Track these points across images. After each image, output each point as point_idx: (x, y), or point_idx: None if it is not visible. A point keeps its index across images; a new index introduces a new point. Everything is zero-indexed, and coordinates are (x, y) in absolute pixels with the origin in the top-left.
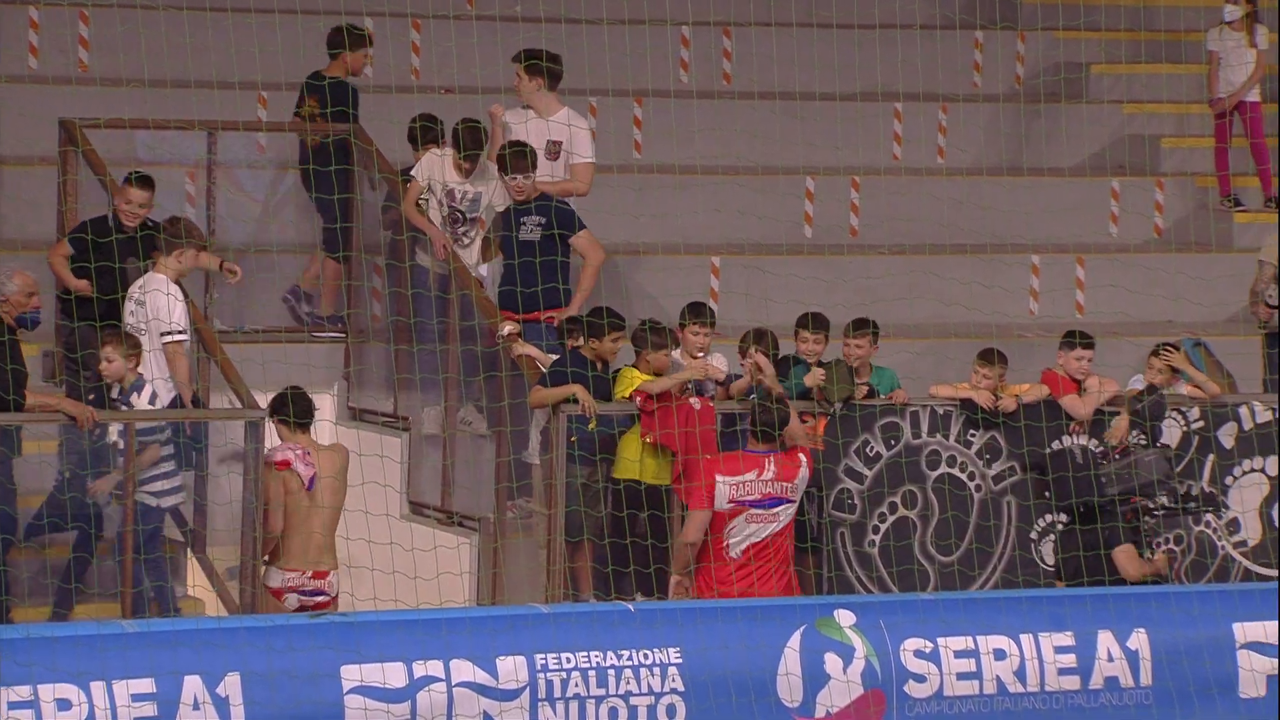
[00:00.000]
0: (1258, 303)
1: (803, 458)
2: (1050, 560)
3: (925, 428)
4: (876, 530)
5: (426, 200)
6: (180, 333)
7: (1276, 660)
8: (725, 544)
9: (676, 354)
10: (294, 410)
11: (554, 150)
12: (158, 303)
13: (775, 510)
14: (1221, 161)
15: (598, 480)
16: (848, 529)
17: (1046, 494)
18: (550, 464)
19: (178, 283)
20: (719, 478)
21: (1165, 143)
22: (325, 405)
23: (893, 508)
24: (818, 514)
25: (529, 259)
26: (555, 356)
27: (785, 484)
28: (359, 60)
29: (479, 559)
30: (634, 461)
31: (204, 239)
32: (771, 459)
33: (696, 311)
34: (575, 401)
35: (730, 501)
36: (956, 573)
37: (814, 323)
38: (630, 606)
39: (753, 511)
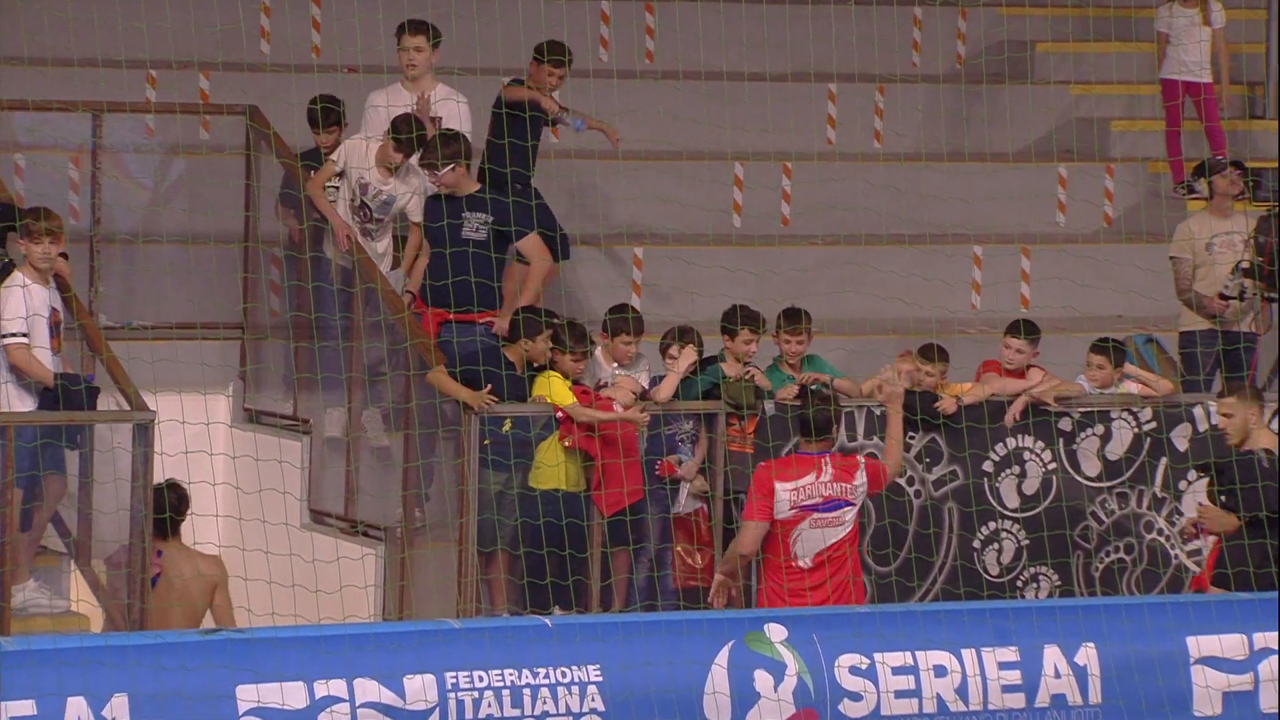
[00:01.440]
0: (1206, 297)
1: (862, 460)
2: (994, 570)
3: (861, 429)
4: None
5: (336, 187)
6: (15, 335)
7: (1245, 677)
8: (792, 553)
9: (598, 353)
10: (167, 504)
11: (436, 126)
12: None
13: (838, 513)
14: (1174, 146)
15: (513, 486)
16: None
17: (1223, 498)
18: (461, 469)
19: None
20: (778, 485)
21: (1115, 126)
22: (220, 407)
23: None
24: None
25: (470, 256)
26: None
27: (845, 485)
28: None
29: (385, 571)
30: (553, 468)
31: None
32: (828, 460)
33: (620, 312)
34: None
35: (792, 508)
36: (894, 584)
37: (744, 319)
38: (548, 621)
39: (816, 516)
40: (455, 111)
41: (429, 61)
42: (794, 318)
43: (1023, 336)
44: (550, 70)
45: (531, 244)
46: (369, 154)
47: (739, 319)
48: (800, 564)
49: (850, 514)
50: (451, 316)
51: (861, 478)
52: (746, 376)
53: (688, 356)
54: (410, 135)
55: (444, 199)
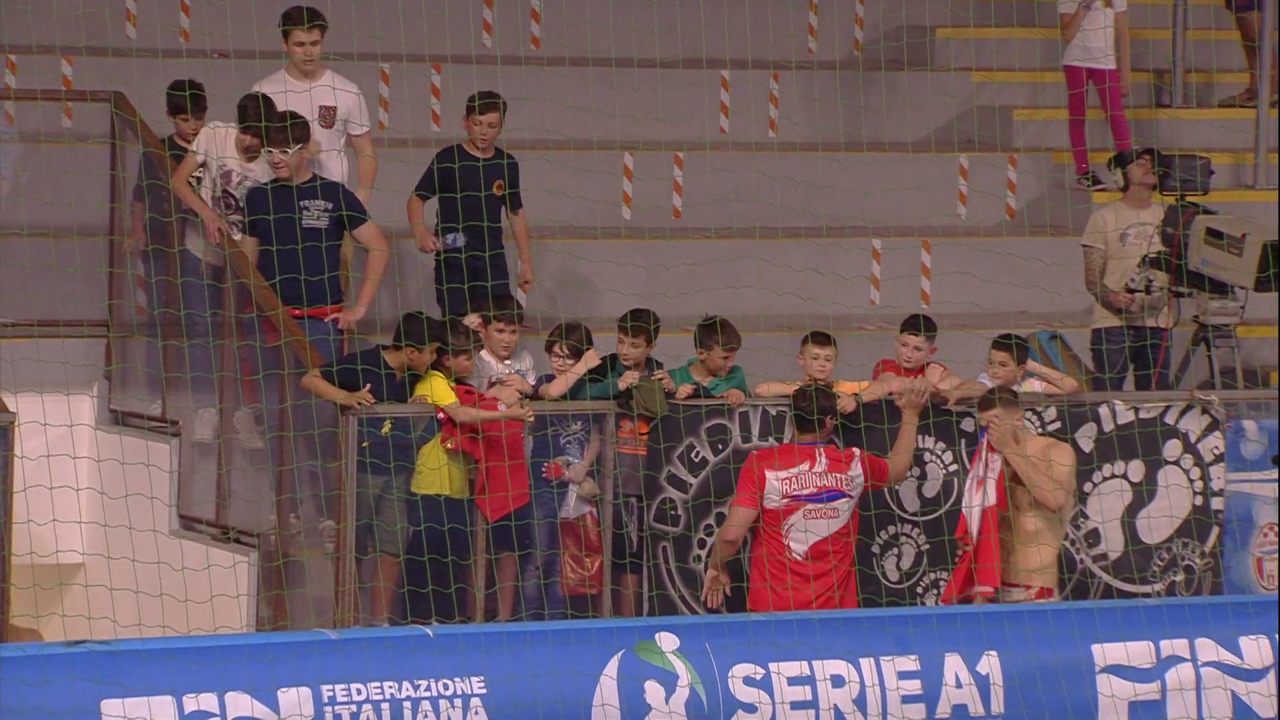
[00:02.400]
0: (1113, 292)
1: (858, 452)
2: (893, 576)
3: (756, 430)
4: (703, 544)
5: (199, 179)
6: None
7: (1152, 685)
8: (786, 544)
9: (483, 354)
10: None
11: (329, 117)
12: None
13: (834, 504)
14: (1077, 135)
15: (393, 491)
16: (671, 543)
17: None
18: (339, 472)
19: None
20: (769, 473)
21: (1018, 114)
22: (84, 408)
23: (720, 519)
24: (638, 526)
25: (313, 247)
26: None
27: (840, 475)
28: None
29: (258, 579)
30: (435, 472)
31: None
32: (821, 451)
33: (497, 301)
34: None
35: (785, 497)
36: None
37: (632, 329)
38: (429, 631)
39: (810, 506)
40: (354, 103)
41: (318, 49)
42: (729, 334)
43: (921, 333)
44: (476, 119)
45: (370, 232)
46: (228, 141)
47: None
48: (795, 555)
49: (846, 505)
50: (300, 312)
51: (857, 469)
52: (656, 379)
53: (589, 360)
54: (261, 121)
55: (272, 190)
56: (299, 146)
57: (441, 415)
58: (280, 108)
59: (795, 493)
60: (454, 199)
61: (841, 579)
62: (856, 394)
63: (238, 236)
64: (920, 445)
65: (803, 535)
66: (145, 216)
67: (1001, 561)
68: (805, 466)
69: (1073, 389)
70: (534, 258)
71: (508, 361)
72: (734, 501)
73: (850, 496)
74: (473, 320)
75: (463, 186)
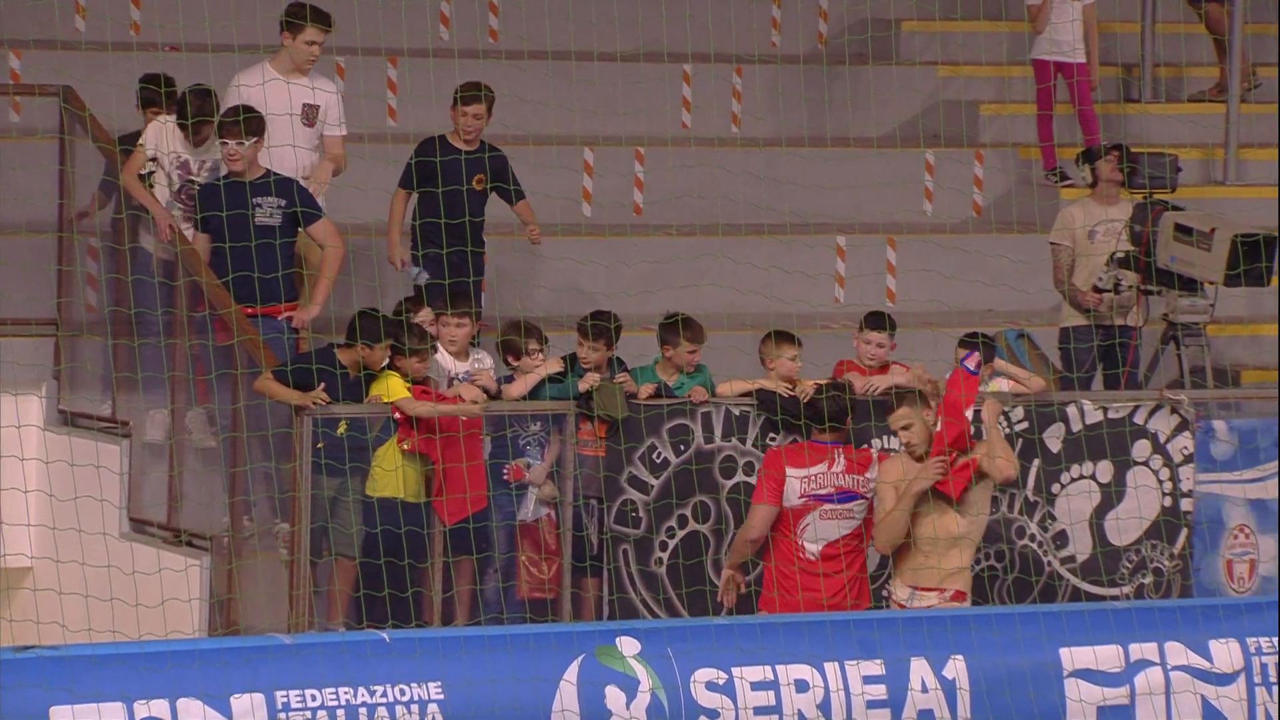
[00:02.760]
0: (1081, 291)
1: (875, 453)
2: None
3: (719, 431)
4: (664, 547)
5: (152, 174)
6: None
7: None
8: (800, 544)
9: (440, 356)
10: None
11: (311, 115)
12: None
13: (850, 505)
14: (1045, 131)
15: (349, 493)
16: (631, 545)
17: None
18: (293, 474)
19: None
20: (789, 470)
21: (984, 109)
22: (32, 408)
23: (682, 521)
24: (598, 529)
25: (267, 244)
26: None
27: (857, 477)
28: None
29: (211, 583)
30: (391, 473)
31: None
32: (840, 451)
33: (455, 301)
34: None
35: (802, 496)
36: (754, 595)
37: (591, 332)
38: (385, 635)
39: (826, 507)
40: (334, 102)
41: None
42: (694, 330)
43: (884, 330)
44: (462, 110)
45: (325, 229)
46: (174, 133)
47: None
48: (809, 555)
49: (861, 508)
50: (253, 311)
51: (875, 471)
52: (618, 381)
53: (552, 365)
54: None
55: (225, 186)
56: (253, 140)
57: (398, 415)
58: (261, 101)
59: (813, 492)
60: (434, 193)
61: (852, 580)
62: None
63: (191, 233)
64: (886, 445)
65: (816, 536)
66: (111, 213)
67: (917, 565)
68: (824, 467)
69: (1040, 388)
70: (491, 255)
71: (473, 360)
72: (755, 498)
73: (865, 498)
74: (425, 315)
75: (444, 180)
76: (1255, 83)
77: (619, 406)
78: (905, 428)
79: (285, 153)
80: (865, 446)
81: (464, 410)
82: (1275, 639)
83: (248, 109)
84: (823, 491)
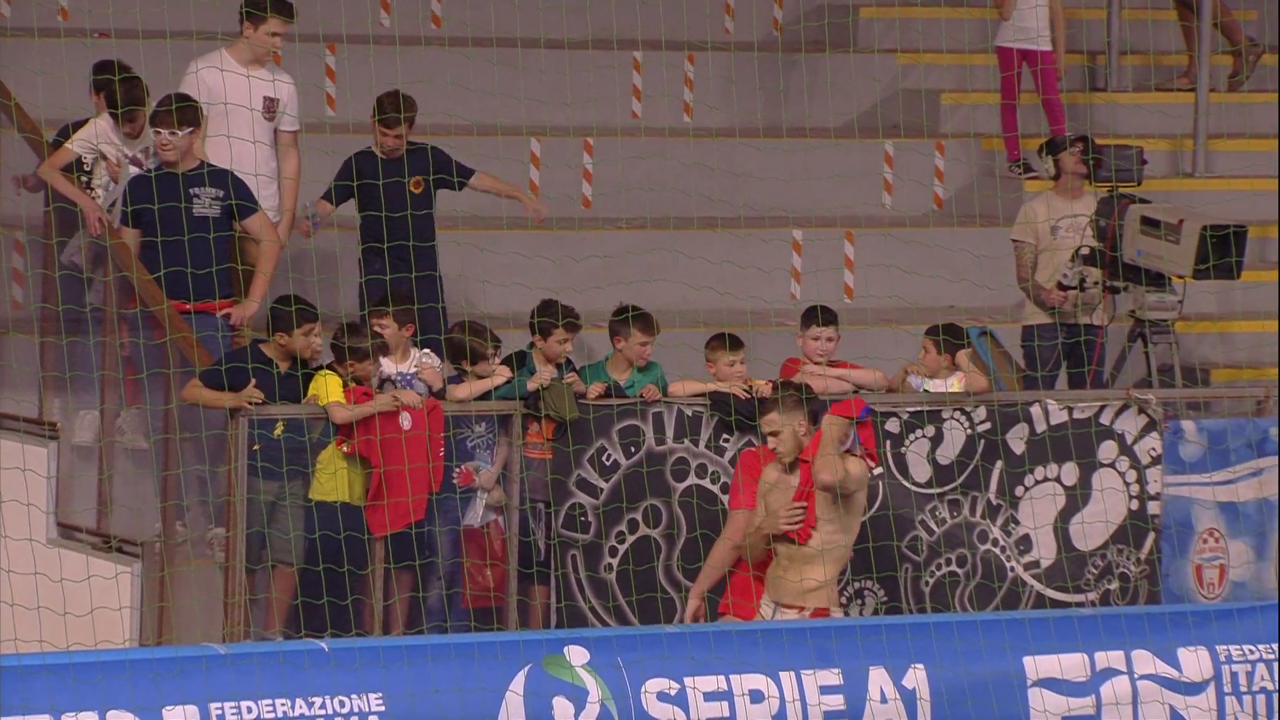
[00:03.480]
0: (1044, 289)
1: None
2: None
3: (671, 432)
4: (614, 552)
5: (90, 172)
6: None
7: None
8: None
9: (385, 362)
10: None
11: (272, 109)
12: None
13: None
14: (1009, 121)
15: (286, 497)
16: (580, 551)
17: None
18: (228, 477)
19: None
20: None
21: (946, 98)
22: None
23: (633, 526)
24: (545, 534)
25: (203, 238)
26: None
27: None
28: None
29: (142, 591)
30: (332, 477)
31: None
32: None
33: (381, 301)
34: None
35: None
36: (707, 602)
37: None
38: (323, 645)
39: None
40: (291, 95)
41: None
42: (645, 322)
43: (834, 324)
44: (383, 131)
45: (261, 222)
46: (105, 125)
47: (559, 316)
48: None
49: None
50: (187, 307)
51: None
52: (567, 380)
53: (502, 374)
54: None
55: (157, 178)
56: (188, 130)
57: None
58: (219, 90)
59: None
60: (373, 207)
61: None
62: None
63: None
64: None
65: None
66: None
67: (777, 579)
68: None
69: (982, 388)
70: (438, 249)
71: (414, 362)
72: (733, 504)
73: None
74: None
75: (380, 190)
76: (1250, 72)
77: (568, 407)
78: (773, 434)
79: (245, 148)
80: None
81: (381, 406)
82: (1247, 647)
83: (182, 97)
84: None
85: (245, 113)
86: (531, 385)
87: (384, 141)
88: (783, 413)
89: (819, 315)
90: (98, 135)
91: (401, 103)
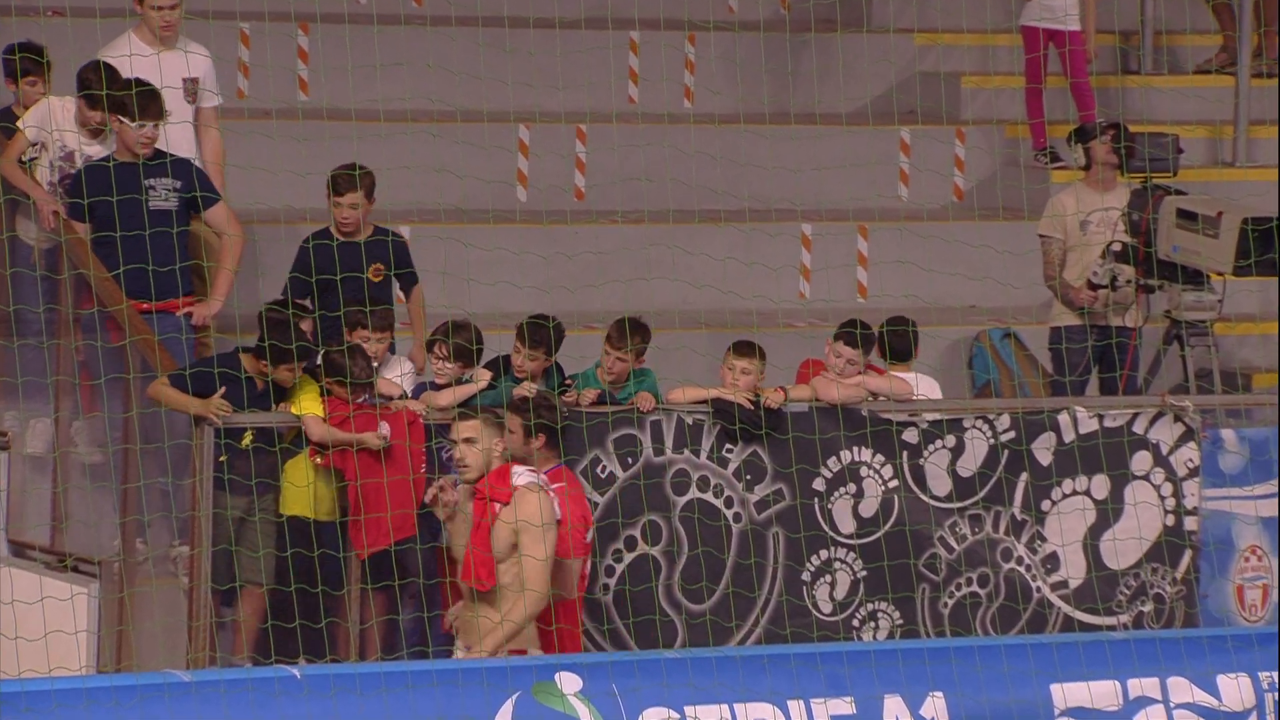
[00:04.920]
0: (1073, 287)
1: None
2: (826, 607)
3: (670, 441)
4: (610, 572)
5: (34, 159)
6: None
7: None
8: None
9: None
10: None
11: (192, 89)
12: None
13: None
14: (1035, 106)
15: (255, 512)
16: None
17: None
18: (192, 491)
19: None
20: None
21: (966, 82)
22: None
23: (630, 543)
24: None
25: (163, 233)
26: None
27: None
28: None
29: (100, 613)
30: (303, 490)
31: None
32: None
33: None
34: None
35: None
36: (709, 624)
37: (532, 339)
38: (296, 672)
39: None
40: (209, 70)
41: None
42: (626, 333)
43: (858, 345)
44: (335, 201)
45: (223, 214)
46: (67, 116)
47: (525, 337)
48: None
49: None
50: (147, 306)
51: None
52: (567, 390)
53: (481, 377)
54: (104, 89)
55: (115, 167)
56: (152, 123)
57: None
58: (126, 76)
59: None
60: (329, 290)
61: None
62: (785, 388)
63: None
64: (856, 458)
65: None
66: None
67: (464, 618)
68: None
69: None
70: (414, 244)
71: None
72: (577, 552)
73: None
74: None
75: (338, 275)
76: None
77: (553, 418)
78: (468, 440)
79: (175, 133)
80: None
81: (361, 440)
82: None
83: (141, 82)
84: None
85: (166, 96)
86: (518, 394)
87: (338, 214)
88: (485, 426)
89: (857, 338)
90: (42, 122)
91: (357, 170)
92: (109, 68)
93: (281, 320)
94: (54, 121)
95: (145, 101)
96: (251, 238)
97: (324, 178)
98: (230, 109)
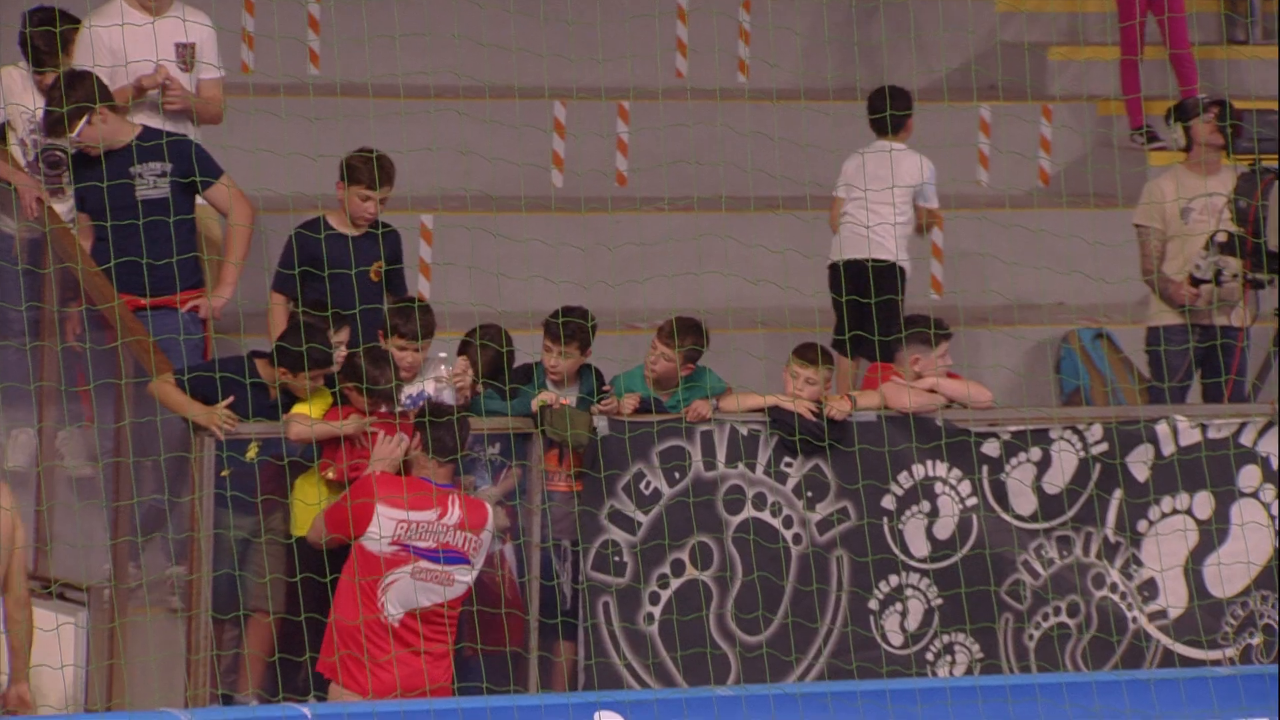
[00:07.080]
0: (1173, 282)
1: (491, 510)
2: (896, 639)
3: (723, 455)
4: (655, 599)
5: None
6: None
7: None
8: (381, 601)
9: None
10: None
11: (187, 57)
12: None
13: (451, 569)
14: (1131, 80)
15: (261, 534)
16: (614, 597)
17: None
18: (191, 509)
19: None
20: (380, 507)
21: (1053, 54)
22: None
23: (678, 568)
24: (572, 577)
25: (159, 221)
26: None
27: (469, 536)
28: None
29: (89, 645)
30: (315, 509)
31: None
32: (456, 498)
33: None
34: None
35: (395, 544)
36: (766, 658)
37: (564, 333)
38: (305, 710)
39: (421, 565)
40: (209, 39)
41: None
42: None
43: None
44: (363, 194)
45: (224, 193)
46: (27, 84)
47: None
48: (386, 617)
49: (466, 575)
50: (143, 303)
51: (488, 533)
52: (605, 399)
53: (462, 368)
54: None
55: (104, 153)
56: (84, 120)
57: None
58: (118, 47)
59: (412, 542)
60: (316, 286)
61: (439, 661)
62: (851, 395)
63: (61, 207)
64: (930, 473)
65: (400, 601)
66: None
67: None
68: (434, 514)
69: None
70: (438, 235)
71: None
72: (328, 521)
73: (472, 565)
74: (343, 336)
75: (331, 275)
76: None
77: (568, 432)
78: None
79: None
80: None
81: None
82: None
83: (75, 78)
84: (425, 545)
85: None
86: (534, 405)
87: (357, 208)
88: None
89: (931, 338)
90: (6, 96)
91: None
92: (41, 13)
93: (314, 326)
94: (13, 94)
95: (53, 108)
96: (256, 227)
97: (335, 161)
98: (233, 84)
